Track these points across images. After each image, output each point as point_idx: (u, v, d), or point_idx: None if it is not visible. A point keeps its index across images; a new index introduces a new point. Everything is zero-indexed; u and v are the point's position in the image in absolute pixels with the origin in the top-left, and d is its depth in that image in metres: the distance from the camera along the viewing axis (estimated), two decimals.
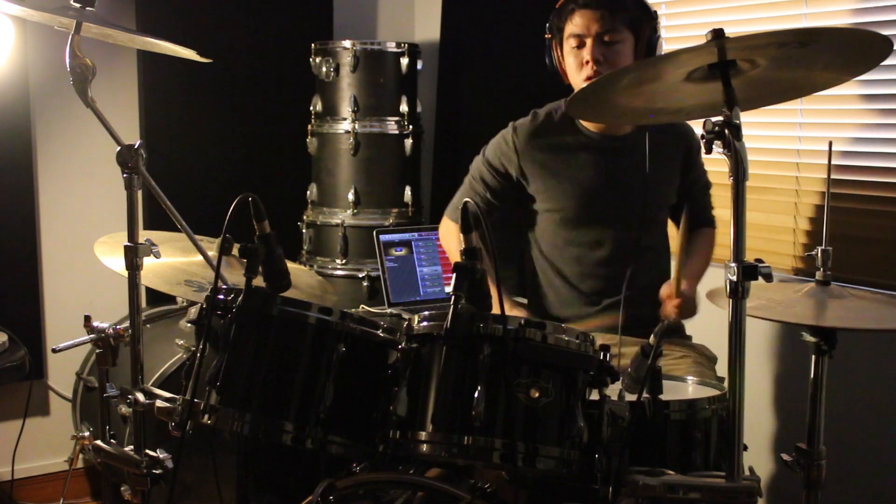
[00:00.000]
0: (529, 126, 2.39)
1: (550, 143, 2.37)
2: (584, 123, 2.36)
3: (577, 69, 2.26)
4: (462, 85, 3.50)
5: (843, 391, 2.35)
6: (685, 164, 2.43)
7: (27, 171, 3.13)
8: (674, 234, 2.49)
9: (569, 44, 2.26)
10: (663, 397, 1.59)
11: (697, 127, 1.59)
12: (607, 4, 2.22)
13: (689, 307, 2.22)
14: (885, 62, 1.58)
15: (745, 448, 1.56)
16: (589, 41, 2.22)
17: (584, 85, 2.16)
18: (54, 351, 2.06)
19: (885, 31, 1.49)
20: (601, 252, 2.36)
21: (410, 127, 3.21)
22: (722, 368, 2.10)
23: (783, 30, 1.49)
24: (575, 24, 2.24)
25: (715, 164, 2.50)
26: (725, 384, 1.89)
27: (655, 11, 2.30)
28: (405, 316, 2.78)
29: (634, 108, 1.81)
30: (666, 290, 2.21)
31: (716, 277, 1.56)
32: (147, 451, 1.85)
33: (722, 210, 2.47)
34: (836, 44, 1.56)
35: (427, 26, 3.68)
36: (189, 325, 2.66)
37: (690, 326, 2.41)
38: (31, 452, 3.14)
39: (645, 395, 1.57)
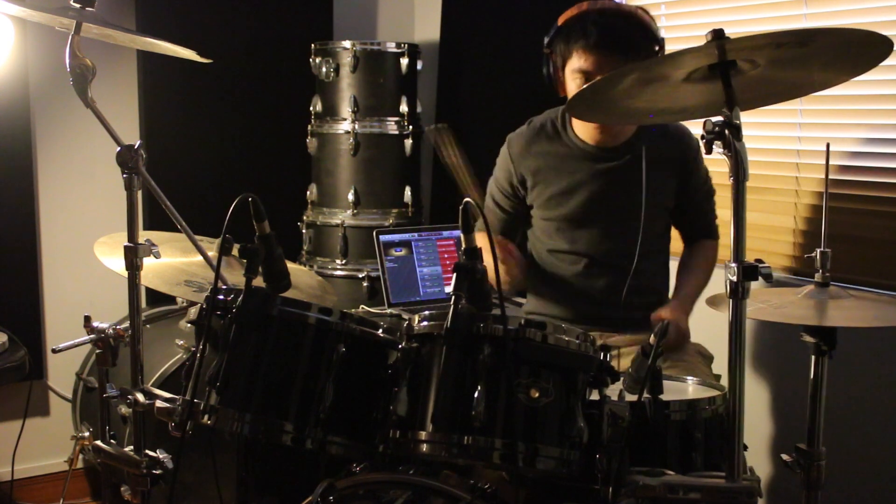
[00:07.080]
0: (524, 135, 2.39)
1: (544, 151, 2.36)
2: (579, 134, 2.34)
3: None
4: (462, 85, 3.49)
5: (843, 391, 2.35)
6: (683, 170, 2.38)
7: (27, 171, 3.13)
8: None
9: (573, 74, 2.21)
10: (663, 398, 1.59)
11: (697, 128, 1.58)
12: (622, 49, 2.14)
13: (678, 338, 2.22)
14: (885, 62, 1.58)
15: (746, 448, 1.56)
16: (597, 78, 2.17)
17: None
18: (54, 351, 2.06)
19: (886, 32, 1.48)
20: (594, 261, 2.35)
21: (410, 127, 3.21)
22: (720, 368, 2.11)
23: (781, 31, 1.49)
24: (584, 61, 2.17)
25: (715, 164, 2.50)
26: (722, 382, 1.89)
27: (662, 38, 2.22)
28: (405, 316, 2.78)
29: (635, 108, 1.81)
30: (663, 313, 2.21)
31: (715, 280, 1.56)
32: (147, 451, 1.85)
33: (722, 210, 2.46)
34: (834, 44, 1.57)
35: (427, 26, 3.68)
36: (189, 325, 2.66)
37: (690, 326, 2.41)
38: (31, 453, 3.13)
39: (645, 395, 1.57)
